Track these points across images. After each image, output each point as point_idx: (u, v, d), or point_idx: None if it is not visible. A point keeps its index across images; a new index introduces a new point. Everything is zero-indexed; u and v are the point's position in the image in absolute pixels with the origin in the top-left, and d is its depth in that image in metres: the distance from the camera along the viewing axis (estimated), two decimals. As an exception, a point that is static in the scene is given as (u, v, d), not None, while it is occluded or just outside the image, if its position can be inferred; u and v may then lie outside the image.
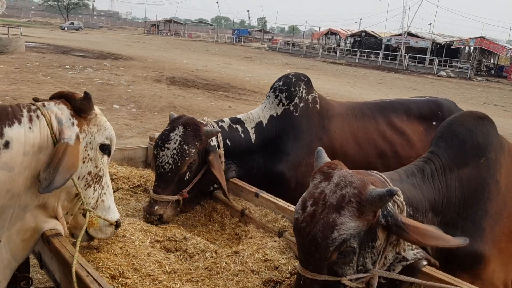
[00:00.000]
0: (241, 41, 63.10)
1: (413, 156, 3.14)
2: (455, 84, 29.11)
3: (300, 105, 3.17)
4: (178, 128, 2.75)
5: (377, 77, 29.14)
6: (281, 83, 3.23)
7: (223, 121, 2.99)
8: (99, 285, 1.71)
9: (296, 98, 3.17)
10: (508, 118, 15.28)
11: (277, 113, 3.15)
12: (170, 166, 2.71)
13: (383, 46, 45.79)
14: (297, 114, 3.16)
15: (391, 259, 1.83)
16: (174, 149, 2.70)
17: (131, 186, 3.21)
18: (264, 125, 3.09)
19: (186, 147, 2.72)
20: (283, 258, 2.37)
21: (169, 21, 79.23)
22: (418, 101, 3.51)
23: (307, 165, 3.07)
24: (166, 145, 2.72)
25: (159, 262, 2.27)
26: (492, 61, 44.18)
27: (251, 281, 2.15)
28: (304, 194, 1.80)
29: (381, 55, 42.78)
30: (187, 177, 2.78)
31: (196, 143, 2.74)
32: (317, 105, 3.23)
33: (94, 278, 1.74)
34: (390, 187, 1.69)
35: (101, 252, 2.23)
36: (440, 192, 2.04)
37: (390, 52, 43.41)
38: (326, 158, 1.94)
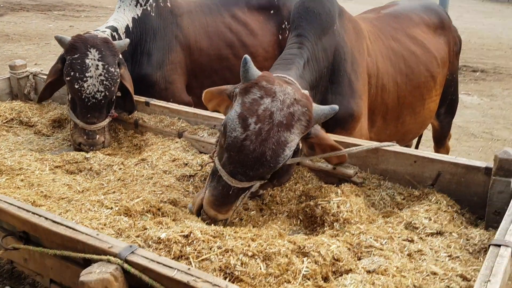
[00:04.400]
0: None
1: (257, 44, 3.48)
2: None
3: (154, 5, 3.20)
4: (91, 52, 2.58)
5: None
6: None
7: (104, 31, 2.85)
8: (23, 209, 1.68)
9: None
10: None
11: (137, 15, 3.13)
12: (103, 93, 2.61)
13: None
14: (153, 14, 3.18)
15: None
16: (100, 75, 2.58)
17: (3, 121, 2.98)
18: (130, 28, 3.05)
19: (112, 69, 2.62)
20: (189, 155, 2.52)
21: None
22: None
23: (170, 63, 3.21)
24: (87, 74, 2.56)
25: (68, 185, 2.24)
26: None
27: (166, 180, 2.26)
28: (239, 110, 1.73)
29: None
30: (113, 97, 2.72)
31: (116, 61, 2.66)
32: (168, 3, 3.29)
33: (17, 206, 1.70)
34: (332, 106, 1.84)
35: (1, 188, 2.13)
36: (314, 71, 2.25)
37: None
38: (256, 70, 1.84)
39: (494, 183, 1.74)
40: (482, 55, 9.45)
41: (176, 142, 2.63)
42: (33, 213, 1.64)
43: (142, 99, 2.89)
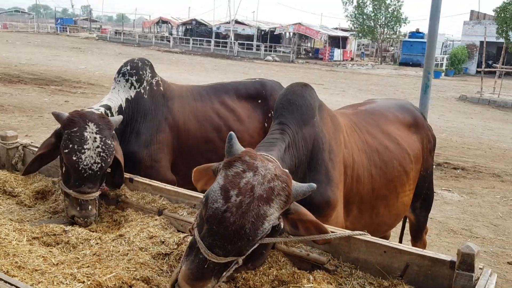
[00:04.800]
0: (66, 31, 58.39)
1: (244, 129, 3.71)
2: (281, 67, 31.65)
3: (147, 88, 3.43)
4: (89, 126, 2.70)
5: (212, 64, 30.08)
6: (128, 67, 3.40)
7: (98, 109, 3.01)
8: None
9: (145, 82, 3.42)
10: (327, 94, 17.35)
11: (131, 96, 3.33)
12: (99, 165, 2.69)
13: (213, 34, 47.14)
14: (146, 96, 3.41)
15: None
16: (98, 147, 2.68)
17: (-13, 190, 3.02)
18: (123, 108, 3.22)
19: (109, 142, 2.73)
20: (167, 233, 2.55)
21: (-26, 10, 69.07)
22: (246, 82, 4.06)
23: (158, 143, 3.40)
24: (85, 147, 2.65)
25: (43, 256, 2.24)
26: (309, 44, 48.92)
27: (141, 257, 2.28)
28: (222, 182, 1.79)
29: (212, 42, 44.04)
30: (107, 170, 2.81)
31: (112, 135, 2.78)
32: (161, 88, 3.53)
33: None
34: (310, 184, 1.92)
35: (-24, 257, 2.13)
36: (293, 157, 2.38)
37: (221, 40, 44.94)
38: (240, 146, 1.94)
39: (457, 277, 1.80)
40: (462, 154, 9.82)
41: (156, 220, 2.67)
42: (5, 281, 1.65)
43: (127, 175, 2.97)
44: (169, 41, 46.89)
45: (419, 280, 1.99)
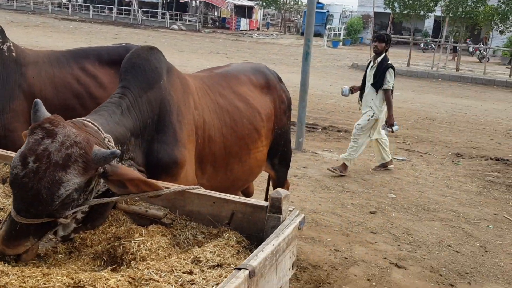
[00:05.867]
0: None
1: (106, 96, 3.56)
2: (186, 36, 31.09)
3: None
4: None
5: (113, 32, 28.69)
6: None
7: None
8: None
9: None
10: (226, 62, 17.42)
11: None
12: None
13: (116, 1, 44.78)
14: None
15: (103, 188, 2.13)
16: None
17: None
18: None
19: None
20: (10, 201, 2.49)
21: None
22: (109, 47, 3.99)
23: (11, 111, 3.26)
24: None
25: None
26: (216, 14, 48.42)
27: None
28: (22, 149, 1.83)
29: (115, 10, 41.88)
30: None
31: None
32: (13, 53, 3.36)
33: None
34: (114, 150, 1.94)
35: None
36: (137, 120, 2.41)
37: (123, 7, 42.87)
38: (45, 112, 1.96)
39: (268, 219, 1.99)
40: (347, 117, 10.46)
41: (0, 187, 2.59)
42: None
43: (-33, 144, 2.83)
44: (67, 8, 43.80)
45: (243, 226, 2.16)
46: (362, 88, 6.92)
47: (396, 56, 23.06)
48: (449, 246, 4.72)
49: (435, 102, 13.51)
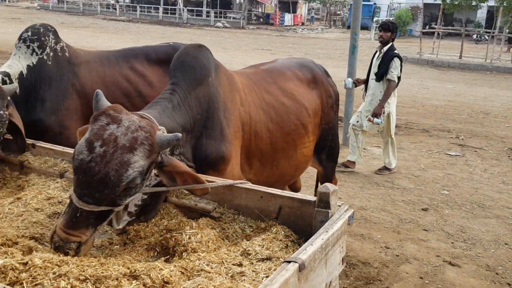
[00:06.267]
0: (5, 0, 55.08)
1: (155, 94, 3.64)
2: (231, 33, 31.33)
3: (51, 54, 3.39)
4: None
5: (159, 32, 29.37)
6: (29, 33, 3.35)
7: None
8: None
9: (48, 48, 3.38)
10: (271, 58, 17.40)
11: (33, 63, 3.29)
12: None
13: (162, 1, 45.79)
14: (50, 63, 3.37)
15: (154, 181, 2.18)
16: None
17: None
18: (24, 75, 3.20)
19: (1, 112, 2.69)
20: (67, 194, 2.62)
21: None
22: (157, 47, 4.07)
23: (65, 109, 3.40)
24: None
25: None
26: (260, 10, 48.45)
27: (35, 217, 2.35)
28: (87, 136, 1.89)
29: (161, 9, 42.84)
30: (1, 139, 2.79)
31: (5, 104, 2.73)
32: (66, 54, 3.50)
33: None
34: (176, 133, 2.00)
35: None
36: (187, 115, 2.48)
37: (169, 6, 43.77)
38: (106, 101, 2.05)
39: (317, 213, 1.99)
40: (397, 112, 10.16)
41: (57, 182, 2.73)
42: None
43: (30, 141, 2.99)
44: (115, 8, 45.21)
45: (291, 220, 2.17)
46: (367, 81, 6.57)
47: (448, 48, 22.25)
48: (506, 244, 4.53)
49: (489, 95, 12.95)
